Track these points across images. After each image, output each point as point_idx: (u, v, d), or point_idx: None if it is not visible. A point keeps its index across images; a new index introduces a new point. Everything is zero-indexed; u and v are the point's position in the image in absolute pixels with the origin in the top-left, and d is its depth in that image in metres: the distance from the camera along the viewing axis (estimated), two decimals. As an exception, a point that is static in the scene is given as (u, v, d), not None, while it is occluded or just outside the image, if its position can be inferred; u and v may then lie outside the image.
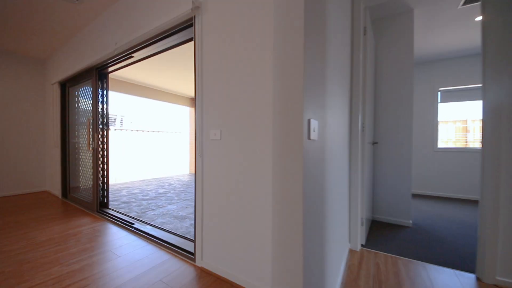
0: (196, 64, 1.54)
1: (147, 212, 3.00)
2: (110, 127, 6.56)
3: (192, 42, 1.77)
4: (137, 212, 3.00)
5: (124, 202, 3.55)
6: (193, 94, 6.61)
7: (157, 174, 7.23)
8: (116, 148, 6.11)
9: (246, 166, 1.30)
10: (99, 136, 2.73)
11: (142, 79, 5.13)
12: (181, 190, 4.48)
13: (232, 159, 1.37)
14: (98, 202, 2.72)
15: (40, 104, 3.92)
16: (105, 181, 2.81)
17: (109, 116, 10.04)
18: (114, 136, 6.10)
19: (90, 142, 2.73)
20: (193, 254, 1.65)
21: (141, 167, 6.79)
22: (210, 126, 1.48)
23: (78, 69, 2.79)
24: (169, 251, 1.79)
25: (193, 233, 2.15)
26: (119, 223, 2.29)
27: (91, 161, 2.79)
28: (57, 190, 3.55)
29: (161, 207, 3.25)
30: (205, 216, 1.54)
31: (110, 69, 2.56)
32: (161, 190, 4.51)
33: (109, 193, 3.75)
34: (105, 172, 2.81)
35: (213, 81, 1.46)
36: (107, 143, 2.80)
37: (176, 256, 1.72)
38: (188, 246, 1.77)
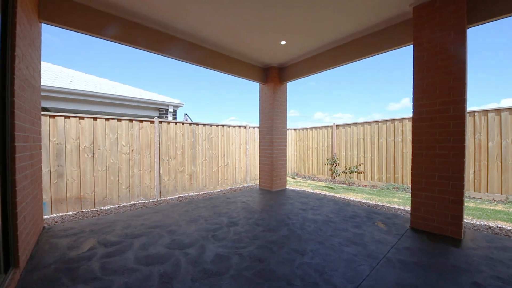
0: None
1: None
2: (156, 119, 4.49)
3: None
4: None
5: None
6: (270, 61, 3.88)
7: (209, 184, 4.84)
8: (159, 148, 3.93)
9: None
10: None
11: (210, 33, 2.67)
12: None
13: None
14: None
15: None
16: None
17: (161, 105, 8.11)
18: (161, 131, 3.93)
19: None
20: None
21: (191, 175, 4.48)
22: None
23: None
24: None
25: None
26: None
27: None
28: None
29: None
30: None
31: None
32: (220, 250, 1.83)
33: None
34: None
35: None
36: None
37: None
38: None
